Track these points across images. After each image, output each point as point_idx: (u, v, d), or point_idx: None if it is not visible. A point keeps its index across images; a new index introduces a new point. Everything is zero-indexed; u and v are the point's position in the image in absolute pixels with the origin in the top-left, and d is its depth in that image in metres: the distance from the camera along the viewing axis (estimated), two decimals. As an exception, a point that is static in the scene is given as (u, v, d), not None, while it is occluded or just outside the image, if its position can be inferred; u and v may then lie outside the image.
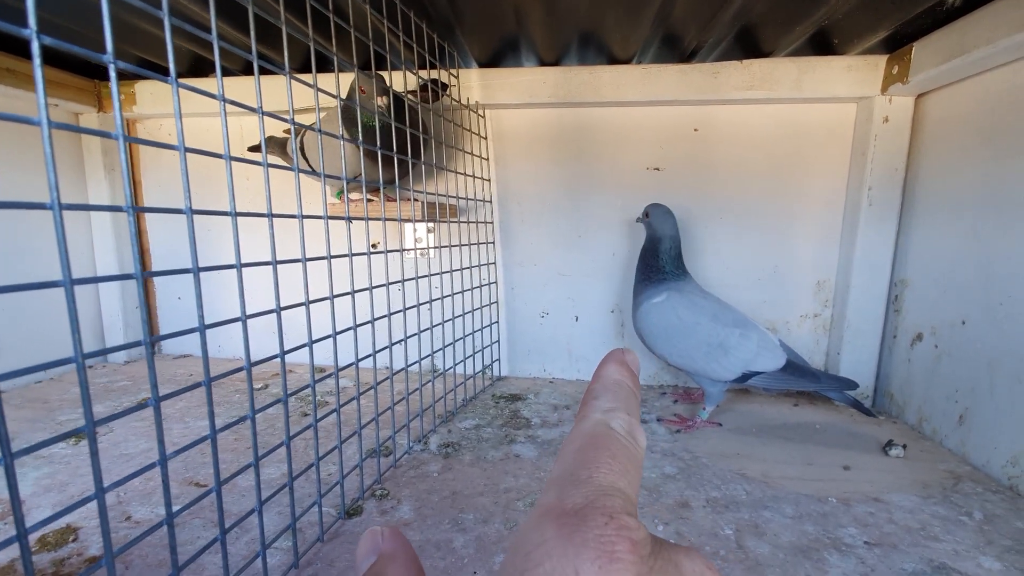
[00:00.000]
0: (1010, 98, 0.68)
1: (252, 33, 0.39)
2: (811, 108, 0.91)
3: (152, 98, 1.02)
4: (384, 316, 0.64)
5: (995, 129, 0.70)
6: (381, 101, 0.70)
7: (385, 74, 0.72)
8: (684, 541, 0.54)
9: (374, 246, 1.05)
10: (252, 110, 0.39)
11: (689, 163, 0.96)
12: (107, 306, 1.14)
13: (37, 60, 0.23)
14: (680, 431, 0.81)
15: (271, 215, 0.37)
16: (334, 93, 0.51)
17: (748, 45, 0.85)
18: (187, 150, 0.32)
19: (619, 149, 0.97)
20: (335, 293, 0.53)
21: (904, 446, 0.75)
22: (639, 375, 0.30)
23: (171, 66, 0.30)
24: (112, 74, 0.27)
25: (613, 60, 0.91)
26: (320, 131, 0.51)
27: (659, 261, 0.83)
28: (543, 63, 0.93)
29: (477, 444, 0.77)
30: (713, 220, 0.97)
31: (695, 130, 0.94)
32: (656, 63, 0.89)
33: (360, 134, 0.56)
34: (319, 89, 0.49)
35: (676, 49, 0.86)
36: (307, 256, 0.48)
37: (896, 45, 0.80)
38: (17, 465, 0.71)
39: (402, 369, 0.71)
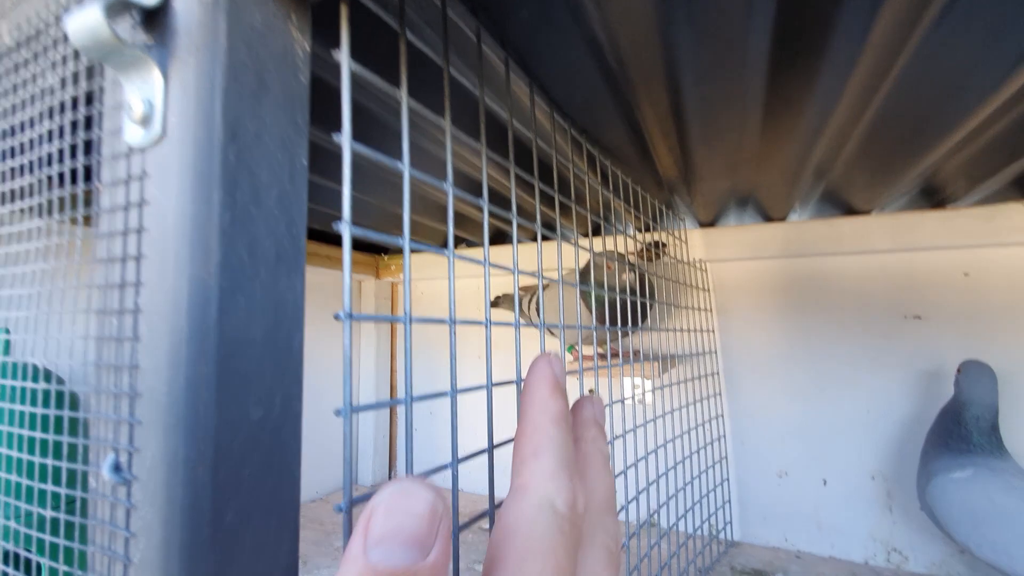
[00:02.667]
0: None
1: (514, 217, 0.47)
2: None
3: (412, 265, 1.25)
4: (638, 496, 0.64)
5: None
6: (627, 277, 0.77)
7: (610, 239, 0.79)
8: None
9: (590, 391, 1.09)
10: (508, 269, 0.37)
11: (958, 310, 0.84)
12: (363, 433, 1.32)
13: (347, 255, 0.25)
14: (1009, 658, 0.63)
15: (490, 385, 0.35)
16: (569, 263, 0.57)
17: (1025, 185, 0.75)
18: (455, 321, 0.33)
19: (865, 297, 0.90)
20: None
21: None
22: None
23: (450, 241, 0.29)
24: (406, 258, 0.27)
25: (850, 211, 0.88)
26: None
27: (963, 429, 0.71)
28: (768, 219, 0.94)
29: (736, 638, 0.68)
30: (1004, 378, 0.81)
31: (965, 274, 0.84)
32: (904, 211, 0.83)
33: (595, 303, 0.60)
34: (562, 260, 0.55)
35: (931, 198, 0.80)
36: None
37: None
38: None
39: (646, 554, 0.68)
